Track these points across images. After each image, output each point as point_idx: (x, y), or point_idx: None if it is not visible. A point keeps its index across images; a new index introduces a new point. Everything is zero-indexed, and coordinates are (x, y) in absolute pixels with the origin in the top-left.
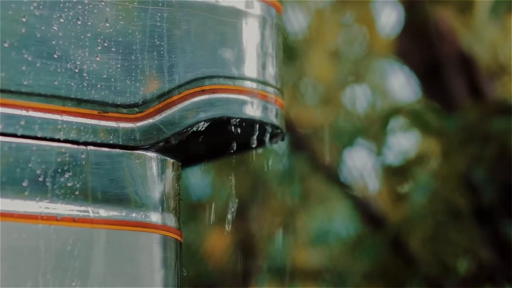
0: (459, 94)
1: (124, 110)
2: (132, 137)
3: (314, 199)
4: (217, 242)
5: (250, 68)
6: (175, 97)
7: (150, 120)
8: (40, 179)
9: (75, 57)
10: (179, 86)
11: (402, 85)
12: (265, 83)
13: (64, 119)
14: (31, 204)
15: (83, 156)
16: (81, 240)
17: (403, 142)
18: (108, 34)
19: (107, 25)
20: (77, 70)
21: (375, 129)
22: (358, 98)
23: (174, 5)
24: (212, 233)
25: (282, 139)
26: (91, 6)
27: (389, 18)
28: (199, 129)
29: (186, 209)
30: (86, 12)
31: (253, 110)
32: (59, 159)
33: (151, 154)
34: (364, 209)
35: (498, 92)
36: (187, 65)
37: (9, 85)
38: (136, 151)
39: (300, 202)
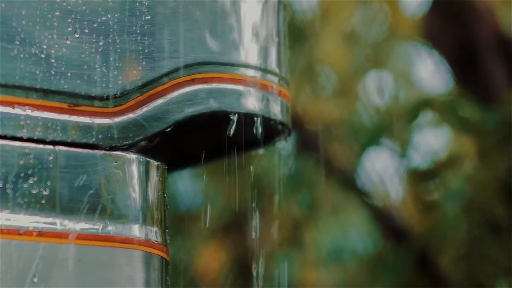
0: (498, 84)
1: (100, 103)
2: (109, 135)
3: (326, 209)
4: (211, 260)
5: (249, 53)
6: (160, 88)
7: (131, 115)
8: None
9: (41, 40)
10: (165, 75)
11: (431, 73)
12: (267, 70)
13: (28, 114)
14: None
15: (50, 158)
16: (48, 258)
17: (432, 141)
18: (81, 12)
19: (79, 1)
20: (43, 56)
21: (398, 126)
22: (379, 89)
23: None
24: (205, 249)
25: (288, 137)
26: None
27: None
28: (188, 125)
29: (174, 221)
30: None
31: (252, 103)
32: (22, 162)
33: (131, 155)
34: (385, 221)
35: None
36: (175, 49)
37: None
38: (114, 152)
39: (310, 212)
